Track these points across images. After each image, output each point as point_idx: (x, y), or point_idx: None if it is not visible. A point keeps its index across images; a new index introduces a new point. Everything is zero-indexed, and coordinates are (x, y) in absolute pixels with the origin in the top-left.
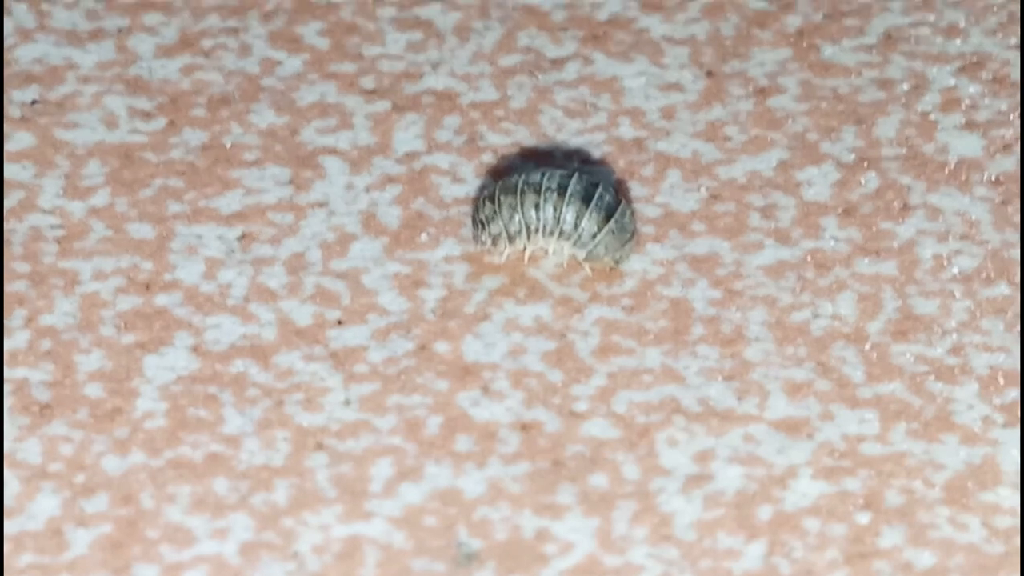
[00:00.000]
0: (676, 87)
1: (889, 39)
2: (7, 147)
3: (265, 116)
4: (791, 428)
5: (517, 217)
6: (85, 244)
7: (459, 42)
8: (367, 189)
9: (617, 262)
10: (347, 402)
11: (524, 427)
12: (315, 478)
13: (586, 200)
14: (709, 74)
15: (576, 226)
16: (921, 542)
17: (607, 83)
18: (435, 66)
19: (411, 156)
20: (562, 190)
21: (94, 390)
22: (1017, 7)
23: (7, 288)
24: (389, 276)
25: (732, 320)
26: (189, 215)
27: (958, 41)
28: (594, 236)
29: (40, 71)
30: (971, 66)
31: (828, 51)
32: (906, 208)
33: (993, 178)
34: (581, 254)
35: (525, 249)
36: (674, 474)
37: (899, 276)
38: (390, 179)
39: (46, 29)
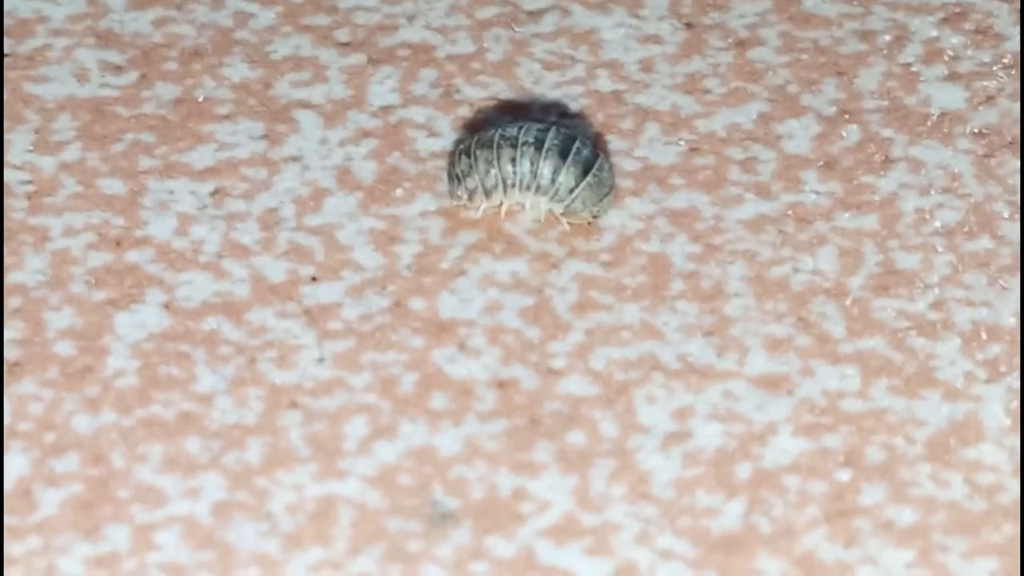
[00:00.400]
0: (655, 39)
1: None
2: None
3: (238, 69)
4: (771, 384)
5: (493, 171)
6: (55, 200)
7: None
8: (341, 143)
9: (595, 216)
10: (321, 360)
11: (501, 384)
12: (288, 437)
13: (563, 154)
14: (688, 26)
15: (553, 181)
16: (902, 499)
17: (585, 35)
18: (411, 18)
19: (386, 110)
20: (539, 144)
21: (64, 348)
22: None
23: None
24: (364, 232)
25: (711, 275)
26: (161, 170)
27: None
28: (572, 191)
29: (10, 24)
30: (954, 17)
31: (809, 2)
32: (888, 161)
33: (976, 130)
34: (559, 209)
35: (501, 204)
36: (652, 432)
37: (881, 230)
38: (365, 133)
39: None
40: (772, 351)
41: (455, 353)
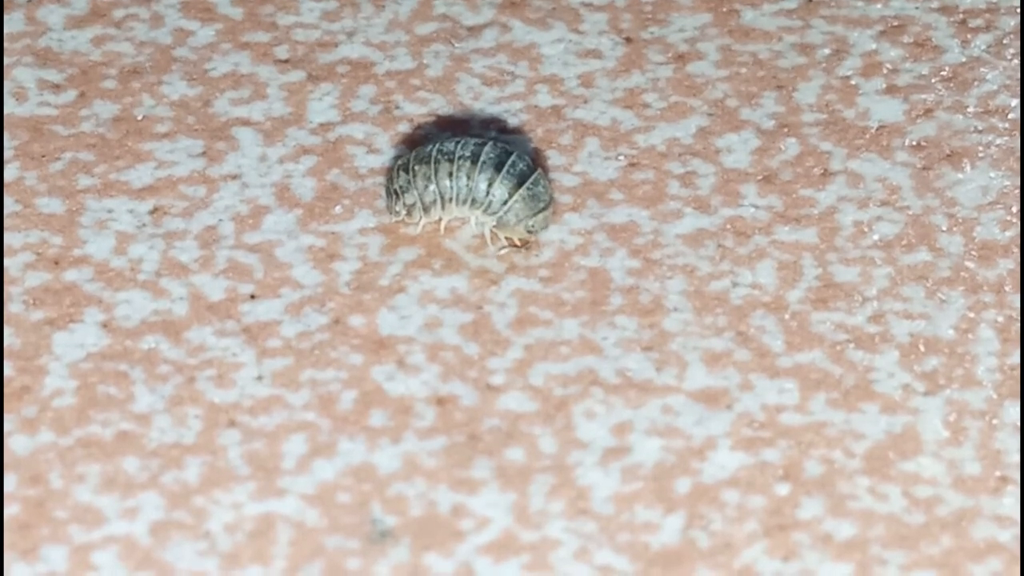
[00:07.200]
0: (594, 54)
1: (810, 3)
2: None
3: (177, 87)
4: (710, 399)
5: (432, 187)
6: None
7: (375, 10)
8: (281, 160)
9: (530, 231)
10: (260, 377)
11: (440, 401)
12: (227, 455)
13: (498, 167)
14: (628, 40)
15: (488, 192)
16: (841, 513)
17: (524, 50)
18: (350, 35)
19: (326, 127)
20: (475, 158)
21: None
22: None
23: None
24: (303, 249)
25: (651, 290)
26: (99, 189)
27: (879, 4)
28: (504, 203)
29: None
30: (892, 30)
31: (748, 16)
32: (827, 174)
33: (914, 143)
34: (491, 221)
35: (440, 220)
36: (592, 447)
37: (819, 243)
38: (304, 150)
39: None
40: (711, 365)
41: (394, 370)
